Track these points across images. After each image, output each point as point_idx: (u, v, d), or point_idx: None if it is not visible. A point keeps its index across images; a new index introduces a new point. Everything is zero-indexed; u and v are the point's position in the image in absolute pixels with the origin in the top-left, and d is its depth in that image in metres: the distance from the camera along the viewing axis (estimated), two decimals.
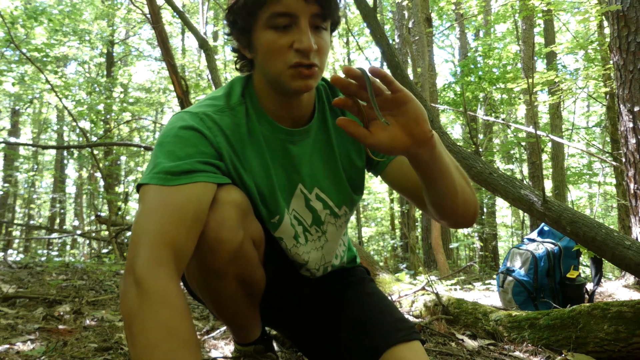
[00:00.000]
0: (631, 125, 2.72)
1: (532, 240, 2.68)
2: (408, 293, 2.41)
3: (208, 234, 0.91)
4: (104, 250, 6.80)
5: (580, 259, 2.61)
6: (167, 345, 0.74)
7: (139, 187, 0.89)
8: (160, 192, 0.86)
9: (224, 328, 1.75)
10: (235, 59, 1.02)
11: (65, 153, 12.78)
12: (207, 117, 0.95)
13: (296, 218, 1.09)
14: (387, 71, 0.99)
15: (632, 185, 2.79)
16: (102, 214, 6.85)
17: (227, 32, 0.98)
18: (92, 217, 11.22)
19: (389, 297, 2.32)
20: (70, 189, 14.75)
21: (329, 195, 1.09)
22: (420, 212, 9.00)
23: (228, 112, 0.98)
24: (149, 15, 4.88)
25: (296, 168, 1.05)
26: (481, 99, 8.31)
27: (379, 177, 1.12)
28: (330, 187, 1.09)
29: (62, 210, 14.15)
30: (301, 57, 0.88)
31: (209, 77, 5.63)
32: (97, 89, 11.17)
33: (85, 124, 10.20)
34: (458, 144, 2.46)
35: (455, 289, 3.35)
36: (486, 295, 3.10)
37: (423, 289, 2.40)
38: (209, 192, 0.90)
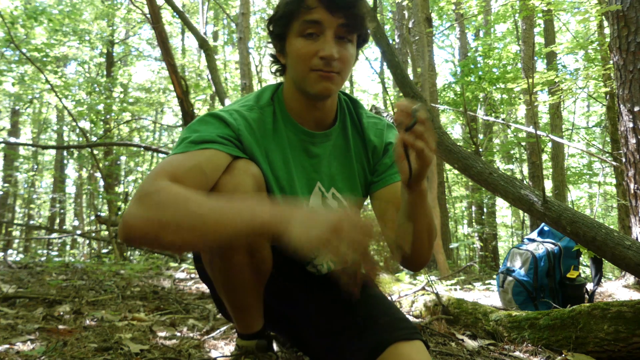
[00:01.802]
0: (631, 125, 2.72)
1: (532, 240, 2.68)
2: (408, 293, 2.41)
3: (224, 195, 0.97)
4: (104, 250, 6.79)
5: (581, 259, 2.61)
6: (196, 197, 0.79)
7: None
8: (179, 154, 0.95)
9: (223, 328, 1.76)
10: (271, 63, 1.14)
11: (65, 153, 12.78)
12: (235, 112, 1.05)
13: None
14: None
15: (632, 185, 2.79)
16: (102, 214, 6.85)
17: (268, 40, 1.11)
18: (92, 217, 11.22)
19: (389, 297, 2.33)
20: (70, 189, 14.75)
21: (344, 196, 1.17)
22: None
23: (257, 110, 1.09)
24: (148, 15, 4.88)
25: (315, 167, 1.14)
26: (481, 99, 8.31)
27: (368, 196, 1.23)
28: (345, 188, 1.17)
29: (62, 210, 14.14)
30: (324, 64, 1.00)
31: (209, 77, 5.64)
32: (97, 89, 11.16)
33: (85, 124, 10.20)
34: (458, 144, 2.46)
35: (455, 289, 3.35)
36: (486, 295, 3.10)
37: (423, 289, 2.40)
38: (222, 158, 0.97)
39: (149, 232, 0.78)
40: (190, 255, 5.92)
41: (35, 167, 14.18)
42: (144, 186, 0.82)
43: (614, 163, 5.18)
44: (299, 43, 1.01)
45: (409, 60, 8.02)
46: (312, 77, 1.01)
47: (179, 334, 1.70)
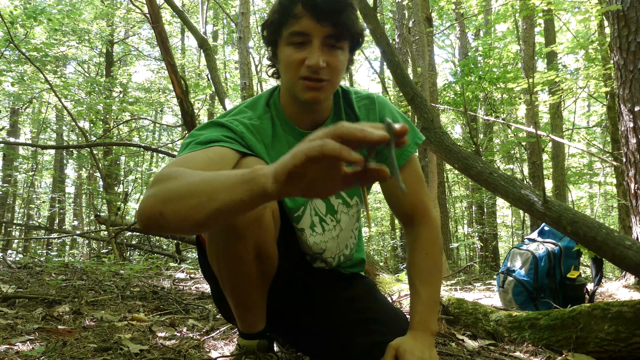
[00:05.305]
0: (632, 125, 2.72)
1: (533, 241, 2.68)
2: (408, 293, 2.40)
3: None
4: (104, 251, 6.78)
5: (581, 259, 2.61)
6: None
7: None
8: (187, 154, 0.94)
9: (223, 328, 1.75)
10: (268, 67, 1.17)
11: (64, 153, 12.77)
12: (234, 120, 1.08)
13: (313, 209, 1.20)
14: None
15: (632, 185, 2.78)
16: (102, 214, 6.84)
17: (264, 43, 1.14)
18: (92, 217, 11.21)
19: (389, 297, 2.33)
20: (70, 189, 14.73)
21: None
22: None
23: (256, 119, 1.11)
24: (148, 15, 4.87)
25: None
26: (481, 99, 8.31)
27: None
28: None
29: (61, 210, 14.12)
30: (310, 72, 1.01)
31: (209, 76, 5.63)
32: (97, 89, 11.14)
33: (84, 124, 10.18)
34: (458, 144, 2.46)
35: (456, 289, 3.35)
36: (487, 296, 3.09)
37: None
38: (230, 153, 0.98)
39: (155, 211, 0.74)
40: (190, 255, 5.91)
41: (35, 167, 14.16)
42: (155, 175, 0.81)
43: (615, 163, 5.18)
44: (287, 51, 1.03)
45: (409, 60, 8.02)
46: (300, 85, 1.03)
47: (178, 334, 1.70)
